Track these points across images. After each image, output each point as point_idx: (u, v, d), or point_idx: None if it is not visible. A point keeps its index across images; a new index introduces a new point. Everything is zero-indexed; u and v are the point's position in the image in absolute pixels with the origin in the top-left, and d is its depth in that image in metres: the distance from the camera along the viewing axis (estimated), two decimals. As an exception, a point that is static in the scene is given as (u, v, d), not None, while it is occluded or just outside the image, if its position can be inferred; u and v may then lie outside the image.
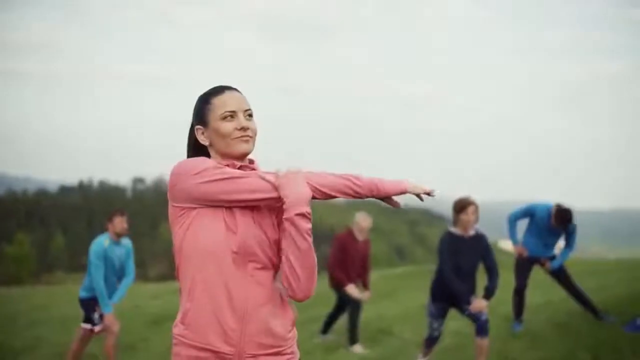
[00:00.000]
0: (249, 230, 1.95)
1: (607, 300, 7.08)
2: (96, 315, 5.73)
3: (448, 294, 5.12)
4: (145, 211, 62.61)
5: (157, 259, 52.19)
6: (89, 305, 5.74)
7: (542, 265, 6.59)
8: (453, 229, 5.16)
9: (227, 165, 2.00)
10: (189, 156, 2.12)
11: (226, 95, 2.03)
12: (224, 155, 2.03)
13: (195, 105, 2.08)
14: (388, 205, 2.12)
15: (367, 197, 2.04)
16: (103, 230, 5.84)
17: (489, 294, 5.10)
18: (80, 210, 65.75)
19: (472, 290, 5.12)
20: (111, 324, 5.66)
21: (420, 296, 10.66)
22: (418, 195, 2.08)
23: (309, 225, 1.93)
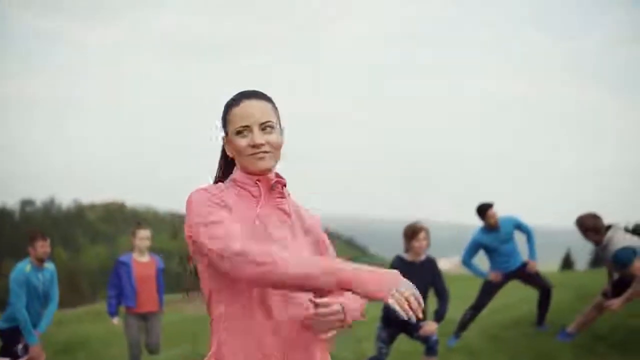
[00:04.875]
0: (286, 247, 1.78)
1: (534, 311, 7.30)
2: (20, 347, 5.26)
3: (399, 320, 5.00)
4: (36, 235, 59.17)
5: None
6: (11, 336, 5.26)
7: (521, 275, 6.67)
8: (404, 255, 5.07)
9: (258, 181, 1.82)
10: (219, 164, 1.94)
11: (242, 106, 1.81)
12: (245, 170, 1.85)
13: (222, 113, 1.89)
14: None
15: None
16: None
17: (439, 317, 5.04)
18: (-37, 235, 61.16)
19: (422, 316, 5.02)
20: (37, 355, 5.22)
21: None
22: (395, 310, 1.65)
23: None
